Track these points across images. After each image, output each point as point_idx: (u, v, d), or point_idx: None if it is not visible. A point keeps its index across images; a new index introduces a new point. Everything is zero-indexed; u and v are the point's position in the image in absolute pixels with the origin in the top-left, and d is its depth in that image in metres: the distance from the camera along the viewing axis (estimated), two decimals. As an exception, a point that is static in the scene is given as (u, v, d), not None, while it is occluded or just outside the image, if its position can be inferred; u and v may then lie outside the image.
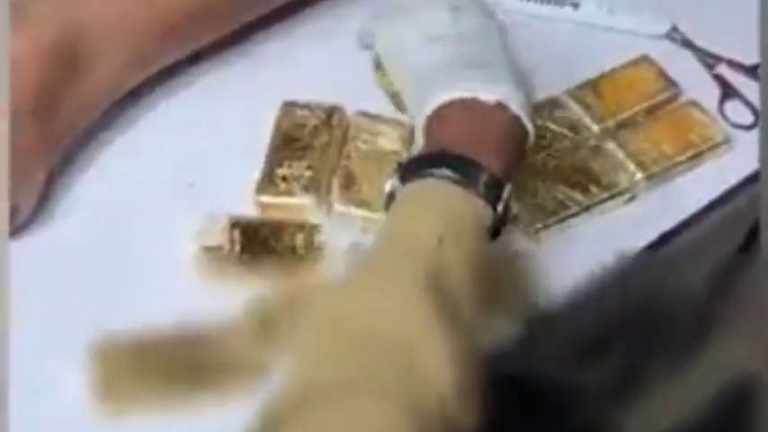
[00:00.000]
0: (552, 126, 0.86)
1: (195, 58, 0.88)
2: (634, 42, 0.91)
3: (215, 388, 0.75)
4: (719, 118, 0.86)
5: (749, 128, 0.85)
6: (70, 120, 0.81)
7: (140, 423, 0.74)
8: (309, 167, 0.84)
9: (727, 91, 0.86)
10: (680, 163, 0.84)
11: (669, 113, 0.86)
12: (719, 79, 0.86)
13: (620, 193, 0.83)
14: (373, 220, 0.82)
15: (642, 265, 0.79)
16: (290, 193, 0.83)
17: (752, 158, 0.80)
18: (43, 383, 0.74)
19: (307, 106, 0.87)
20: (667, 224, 0.82)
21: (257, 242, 0.81)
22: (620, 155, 0.84)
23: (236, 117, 0.87)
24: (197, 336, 0.77)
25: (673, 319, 0.79)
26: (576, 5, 0.92)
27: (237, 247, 0.80)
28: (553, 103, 0.86)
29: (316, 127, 0.86)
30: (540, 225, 0.81)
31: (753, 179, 0.82)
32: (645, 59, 0.88)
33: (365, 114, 0.87)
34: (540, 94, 0.85)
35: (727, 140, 0.84)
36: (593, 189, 0.83)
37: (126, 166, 0.84)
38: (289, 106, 0.87)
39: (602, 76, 0.88)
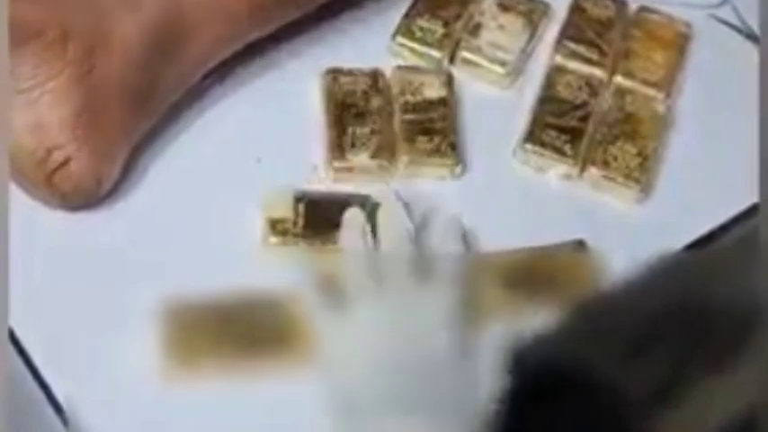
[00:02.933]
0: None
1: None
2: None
3: (277, 354, 0.77)
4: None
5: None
6: (164, 95, 0.83)
7: (208, 385, 0.75)
8: (372, 132, 0.86)
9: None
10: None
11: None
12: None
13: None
14: (446, 168, 0.85)
15: (686, 263, 0.81)
16: (360, 159, 0.86)
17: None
18: (114, 349, 0.76)
19: (350, 72, 0.89)
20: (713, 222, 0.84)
21: (321, 217, 0.83)
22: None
23: (282, 89, 0.89)
24: (262, 301, 0.79)
25: (716, 324, 0.81)
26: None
27: (301, 221, 0.82)
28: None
29: (365, 92, 0.88)
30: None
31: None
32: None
33: (403, 68, 0.90)
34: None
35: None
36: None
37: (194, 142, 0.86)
38: (333, 73, 0.89)
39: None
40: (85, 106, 0.78)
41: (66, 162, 0.79)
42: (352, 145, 0.86)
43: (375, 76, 0.89)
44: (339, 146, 0.86)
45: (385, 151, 0.86)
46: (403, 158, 0.86)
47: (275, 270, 0.79)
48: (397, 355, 0.75)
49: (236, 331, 0.78)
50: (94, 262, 0.80)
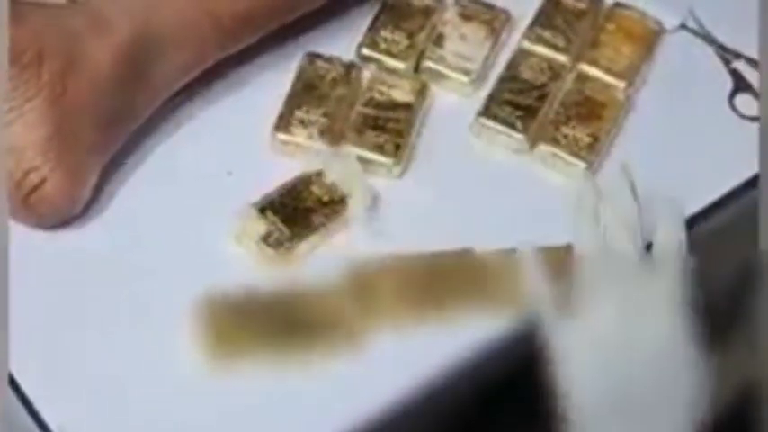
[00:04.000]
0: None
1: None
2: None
3: (312, 345, 0.78)
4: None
5: (757, 119, 0.89)
6: (134, 116, 0.85)
7: (246, 378, 0.77)
8: (325, 115, 0.88)
9: (740, 84, 0.90)
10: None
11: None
12: (734, 73, 0.90)
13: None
14: (381, 164, 0.86)
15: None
16: (306, 135, 0.87)
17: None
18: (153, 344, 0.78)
19: (328, 60, 0.90)
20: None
21: (293, 213, 0.83)
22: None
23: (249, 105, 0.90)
24: (297, 294, 0.80)
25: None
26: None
27: (283, 227, 0.83)
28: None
29: (334, 79, 0.90)
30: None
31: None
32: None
33: (383, 69, 0.91)
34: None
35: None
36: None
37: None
38: (311, 57, 0.90)
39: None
40: (59, 128, 0.80)
41: (41, 183, 0.80)
42: (300, 122, 0.87)
43: (350, 68, 0.90)
44: (288, 120, 0.88)
45: (329, 135, 0.87)
46: (346, 147, 0.87)
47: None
48: (627, 355, 0.76)
49: (271, 321, 0.79)
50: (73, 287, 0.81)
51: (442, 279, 0.81)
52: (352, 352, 0.77)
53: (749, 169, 0.85)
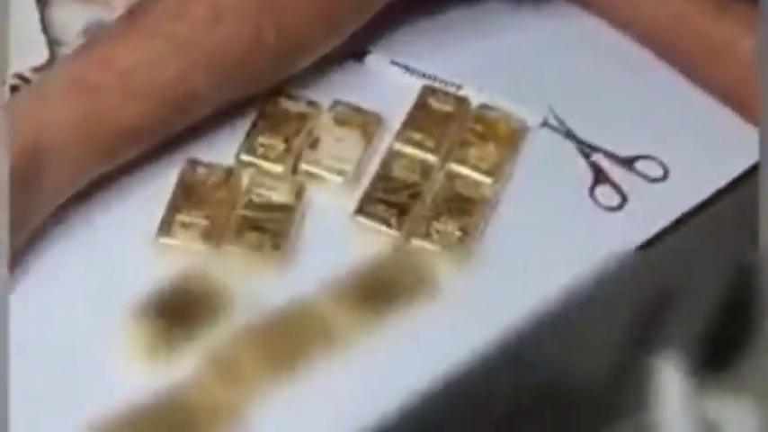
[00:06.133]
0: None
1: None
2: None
3: None
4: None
5: (617, 209, 0.94)
6: (26, 222, 0.87)
7: None
8: (206, 217, 0.91)
9: (599, 176, 0.95)
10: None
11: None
12: (594, 166, 0.96)
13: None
14: (263, 264, 0.90)
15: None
16: (188, 238, 0.90)
17: (619, 239, 0.90)
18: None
19: (209, 165, 0.94)
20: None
21: (175, 312, 0.87)
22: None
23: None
24: (175, 397, 0.82)
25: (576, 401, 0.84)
26: (458, 87, 1.01)
27: (164, 327, 0.86)
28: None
29: (215, 184, 0.94)
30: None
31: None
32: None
33: (262, 173, 0.95)
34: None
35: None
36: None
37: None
38: (192, 163, 0.95)
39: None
40: None
41: None
42: (182, 225, 0.91)
43: (229, 172, 0.94)
44: (169, 224, 0.91)
45: (212, 238, 0.90)
46: (228, 248, 0.90)
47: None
48: None
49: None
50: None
51: (292, 334, 0.86)
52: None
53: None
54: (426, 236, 0.91)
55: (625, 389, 0.90)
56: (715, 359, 0.89)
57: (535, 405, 0.86)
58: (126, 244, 0.91)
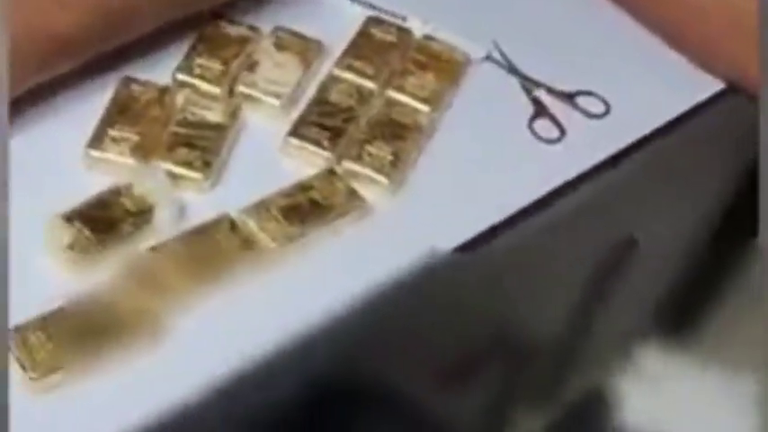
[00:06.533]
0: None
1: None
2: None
3: (121, 345, 0.79)
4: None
5: (555, 142, 0.93)
6: None
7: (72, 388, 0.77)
8: (138, 133, 0.90)
9: (540, 110, 0.94)
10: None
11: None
12: (535, 101, 0.94)
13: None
14: (191, 179, 0.88)
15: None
16: (118, 152, 0.89)
17: (560, 169, 0.89)
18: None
19: (144, 83, 0.93)
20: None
21: (101, 223, 0.85)
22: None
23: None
24: (91, 303, 0.81)
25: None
26: (403, 19, 0.99)
27: (90, 234, 0.84)
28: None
29: (149, 101, 0.92)
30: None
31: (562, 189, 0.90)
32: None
33: (198, 93, 0.94)
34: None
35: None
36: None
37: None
38: (127, 80, 0.93)
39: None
40: None
41: None
42: (113, 140, 0.89)
43: (164, 91, 0.93)
44: (101, 138, 0.89)
45: (141, 152, 0.89)
46: (157, 163, 0.89)
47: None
48: None
49: (78, 332, 0.80)
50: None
51: (217, 247, 0.85)
52: (157, 341, 0.80)
53: (546, 186, 0.89)
54: (358, 158, 0.90)
55: (581, 339, 0.89)
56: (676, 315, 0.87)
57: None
58: (58, 155, 0.89)
